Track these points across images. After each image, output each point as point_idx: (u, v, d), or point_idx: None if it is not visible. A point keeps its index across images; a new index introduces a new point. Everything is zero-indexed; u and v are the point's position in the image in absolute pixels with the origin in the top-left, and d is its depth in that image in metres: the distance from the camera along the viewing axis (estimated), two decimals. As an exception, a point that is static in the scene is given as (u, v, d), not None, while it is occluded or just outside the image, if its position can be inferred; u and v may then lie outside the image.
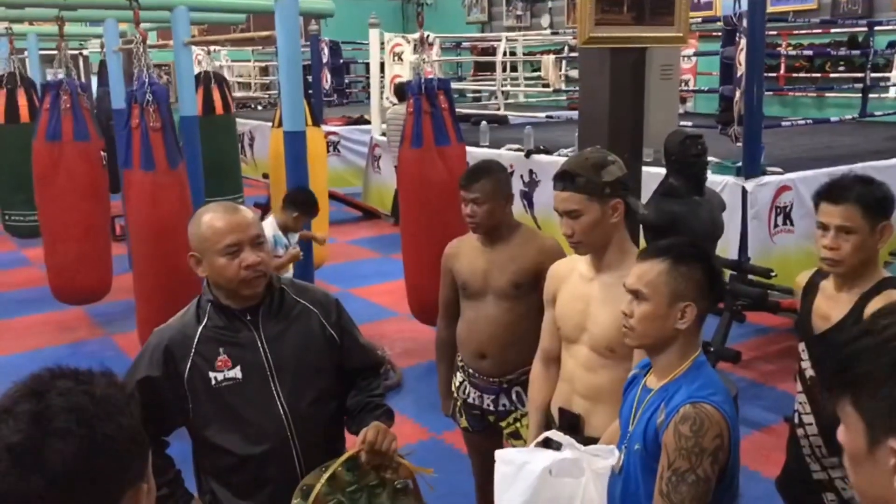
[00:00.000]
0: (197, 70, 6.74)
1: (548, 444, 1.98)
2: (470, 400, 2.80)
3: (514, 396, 2.72)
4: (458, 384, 2.85)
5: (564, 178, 2.12)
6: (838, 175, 2.21)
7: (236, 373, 1.91)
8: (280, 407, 1.93)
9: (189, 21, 5.45)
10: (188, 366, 1.90)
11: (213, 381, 1.90)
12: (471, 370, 2.77)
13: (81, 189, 5.19)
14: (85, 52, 11.62)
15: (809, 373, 2.29)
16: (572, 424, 2.18)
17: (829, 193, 2.14)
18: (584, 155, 2.20)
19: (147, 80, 4.00)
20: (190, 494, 2.01)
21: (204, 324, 1.94)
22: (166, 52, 7.53)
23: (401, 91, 7.63)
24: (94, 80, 9.25)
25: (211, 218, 1.92)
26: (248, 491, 1.95)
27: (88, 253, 5.30)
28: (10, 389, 0.98)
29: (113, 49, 6.16)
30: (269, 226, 4.32)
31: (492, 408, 2.75)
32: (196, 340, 1.92)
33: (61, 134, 5.19)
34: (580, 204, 2.10)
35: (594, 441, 2.07)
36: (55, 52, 5.73)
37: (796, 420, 2.35)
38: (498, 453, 1.92)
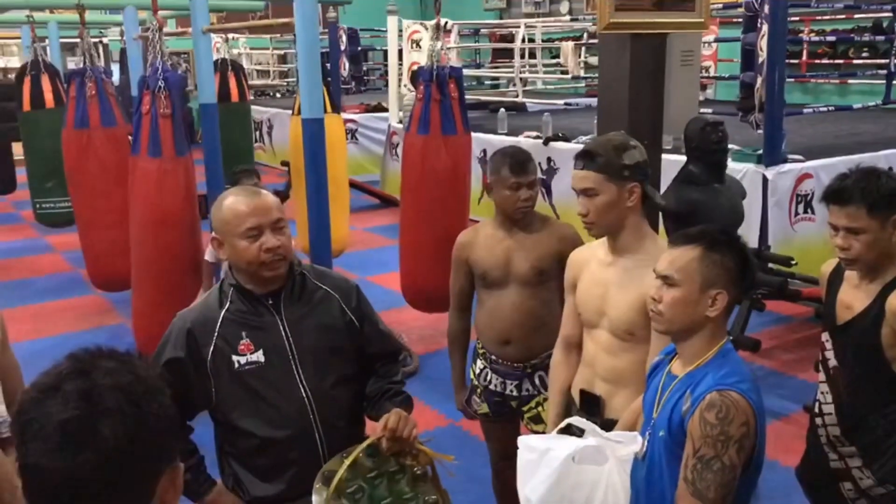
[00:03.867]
0: (214, 57, 6.75)
1: (569, 430, 1.98)
2: (492, 386, 2.79)
3: (536, 381, 2.72)
4: (478, 371, 2.85)
5: (584, 157, 2.13)
6: (844, 171, 2.17)
7: (259, 356, 1.92)
8: (302, 390, 1.94)
9: (208, 9, 5.45)
10: (211, 349, 1.92)
11: (237, 365, 1.92)
12: (493, 356, 2.76)
13: (113, 175, 5.19)
14: (105, 41, 11.67)
15: (833, 363, 2.27)
16: (593, 406, 2.20)
17: (833, 195, 2.13)
18: (607, 137, 2.21)
19: (160, 66, 4.01)
20: (213, 480, 2.02)
21: (227, 308, 1.95)
22: (185, 40, 7.56)
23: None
24: (116, 69, 9.30)
25: (233, 201, 1.93)
26: (270, 473, 1.97)
27: (124, 239, 5.33)
28: (50, 369, 0.99)
29: (133, 37, 6.17)
30: None
31: (515, 393, 2.75)
32: (219, 324, 1.93)
33: (89, 121, 5.22)
34: (597, 183, 2.10)
35: (614, 423, 2.09)
36: (76, 40, 5.75)
37: (816, 409, 2.34)
38: (521, 440, 1.92)
